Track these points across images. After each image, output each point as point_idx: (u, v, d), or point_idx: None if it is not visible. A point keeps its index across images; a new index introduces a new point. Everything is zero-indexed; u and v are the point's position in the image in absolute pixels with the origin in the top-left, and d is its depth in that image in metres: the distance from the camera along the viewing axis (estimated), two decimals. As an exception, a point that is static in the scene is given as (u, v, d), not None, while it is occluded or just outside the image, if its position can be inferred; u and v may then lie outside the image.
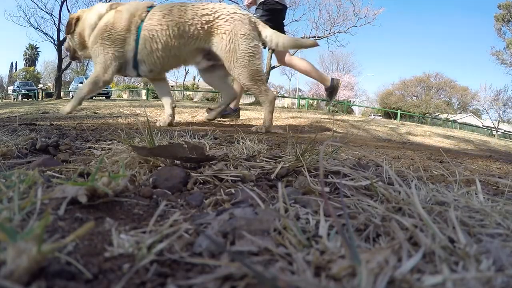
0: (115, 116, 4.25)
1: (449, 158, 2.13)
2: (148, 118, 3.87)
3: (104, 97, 19.58)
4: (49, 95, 21.94)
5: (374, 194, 0.73)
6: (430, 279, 0.37)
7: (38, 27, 17.87)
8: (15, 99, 23.87)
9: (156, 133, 1.67)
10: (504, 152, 4.73)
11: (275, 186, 0.84)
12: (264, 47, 3.04)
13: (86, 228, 0.42)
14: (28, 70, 45.09)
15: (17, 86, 26.93)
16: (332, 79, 3.62)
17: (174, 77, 41.42)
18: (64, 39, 18.31)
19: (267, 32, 2.82)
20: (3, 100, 24.20)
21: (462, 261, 0.44)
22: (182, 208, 0.67)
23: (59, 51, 17.89)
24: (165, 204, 0.67)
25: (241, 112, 4.61)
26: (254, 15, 3.31)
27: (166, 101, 3.09)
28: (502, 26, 26.11)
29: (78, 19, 2.84)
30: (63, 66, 18.86)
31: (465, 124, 24.47)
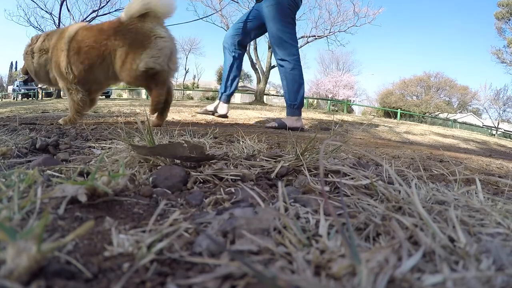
0: (115, 116, 4.25)
1: (449, 158, 2.13)
2: (148, 117, 3.86)
3: (104, 97, 19.60)
4: (49, 95, 21.93)
5: (374, 193, 0.73)
6: (430, 278, 0.37)
7: (38, 26, 17.86)
8: (15, 99, 23.85)
9: (156, 132, 1.67)
10: (504, 152, 4.73)
11: (275, 185, 0.84)
12: None
13: (85, 227, 0.42)
14: (28, 69, 44.98)
15: (17, 86, 26.90)
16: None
17: (174, 76, 41.33)
18: (64, 38, 18.32)
19: None
20: (3, 100, 24.20)
21: (462, 260, 0.44)
22: (182, 207, 0.67)
23: (59, 51, 17.84)
24: (165, 203, 0.67)
25: (241, 112, 4.62)
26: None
27: None
28: (503, 24, 26.09)
29: None
30: (63, 66, 18.81)
31: (465, 123, 24.45)
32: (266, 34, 3.69)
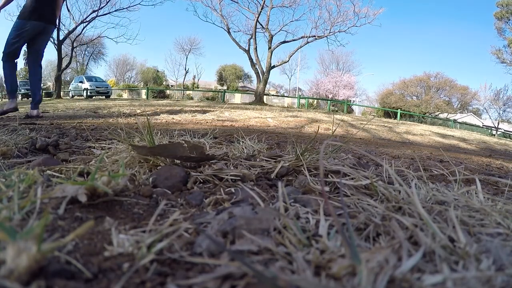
0: (115, 116, 4.25)
1: (449, 158, 2.13)
2: (148, 117, 3.86)
3: (104, 97, 19.60)
4: (49, 95, 21.94)
5: (374, 194, 0.73)
6: (430, 278, 0.37)
7: (38, 26, 17.80)
8: (15, 99, 23.83)
9: (156, 132, 1.67)
10: (504, 152, 4.73)
11: (275, 185, 0.84)
12: None
13: (85, 227, 0.42)
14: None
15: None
16: None
17: (174, 76, 41.38)
18: (64, 39, 18.33)
19: None
20: (3, 100, 24.22)
21: (462, 260, 0.44)
22: (182, 207, 0.67)
23: (59, 51, 17.88)
24: (165, 204, 0.67)
25: (241, 112, 4.62)
26: None
27: None
28: (503, 24, 26.10)
29: None
30: (63, 66, 18.84)
31: (465, 123, 24.44)
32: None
